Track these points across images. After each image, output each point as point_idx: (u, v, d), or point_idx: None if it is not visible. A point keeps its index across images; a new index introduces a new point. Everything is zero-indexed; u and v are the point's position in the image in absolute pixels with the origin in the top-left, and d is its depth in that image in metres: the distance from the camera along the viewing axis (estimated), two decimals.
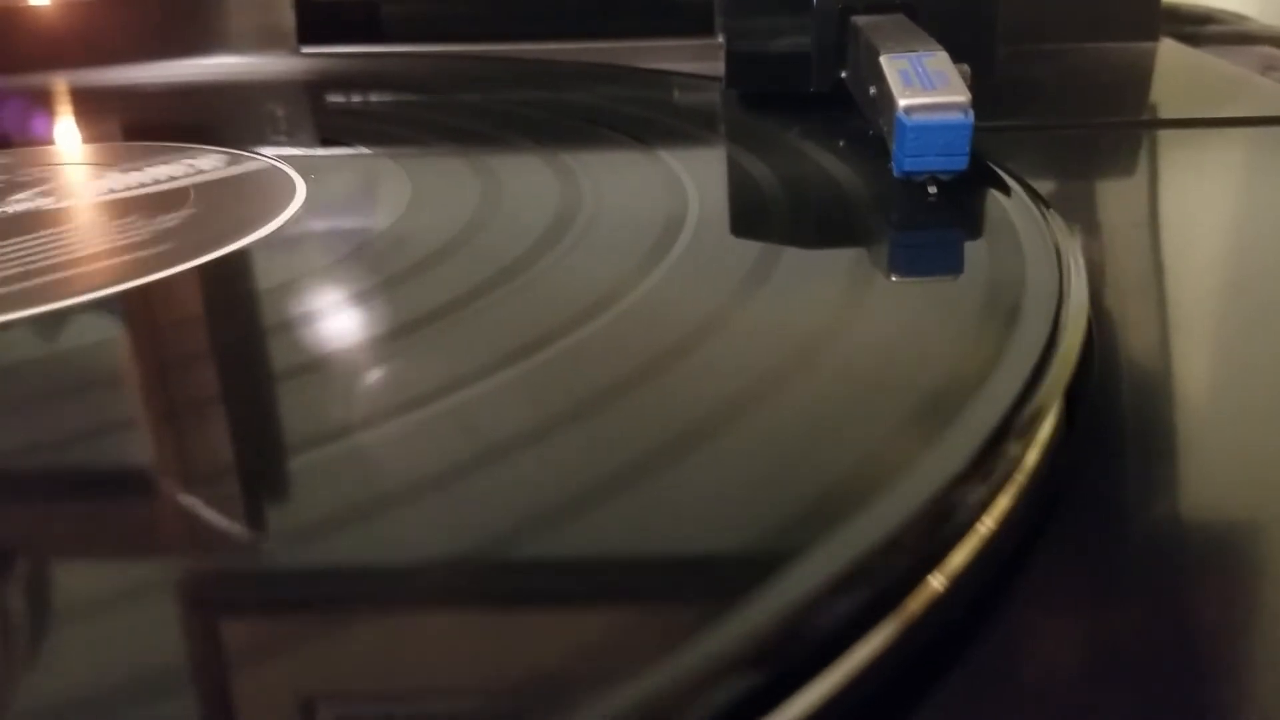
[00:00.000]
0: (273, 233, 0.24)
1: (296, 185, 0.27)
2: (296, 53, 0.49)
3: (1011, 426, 0.14)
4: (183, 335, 0.20)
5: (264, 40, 0.49)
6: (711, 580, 0.12)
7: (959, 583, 0.12)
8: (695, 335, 0.17)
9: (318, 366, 0.18)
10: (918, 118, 0.23)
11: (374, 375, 0.17)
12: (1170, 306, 0.20)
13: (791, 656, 0.11)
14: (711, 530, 0.12)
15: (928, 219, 0.23)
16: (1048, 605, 0.12)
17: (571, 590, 0.12)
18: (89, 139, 0.36)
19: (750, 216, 0.24)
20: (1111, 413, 0.16)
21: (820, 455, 0.14)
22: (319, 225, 0.24)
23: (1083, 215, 0.25)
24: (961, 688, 0.11)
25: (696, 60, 0.41)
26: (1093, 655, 0.12)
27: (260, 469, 0.15)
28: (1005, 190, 0.24)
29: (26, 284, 0.21)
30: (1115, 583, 0.13)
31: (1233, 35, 0.49)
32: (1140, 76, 0.40)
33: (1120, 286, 0.21)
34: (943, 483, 0.13)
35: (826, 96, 0.32)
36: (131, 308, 0.20)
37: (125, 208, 0.26)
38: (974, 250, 0.21)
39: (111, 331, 0.20)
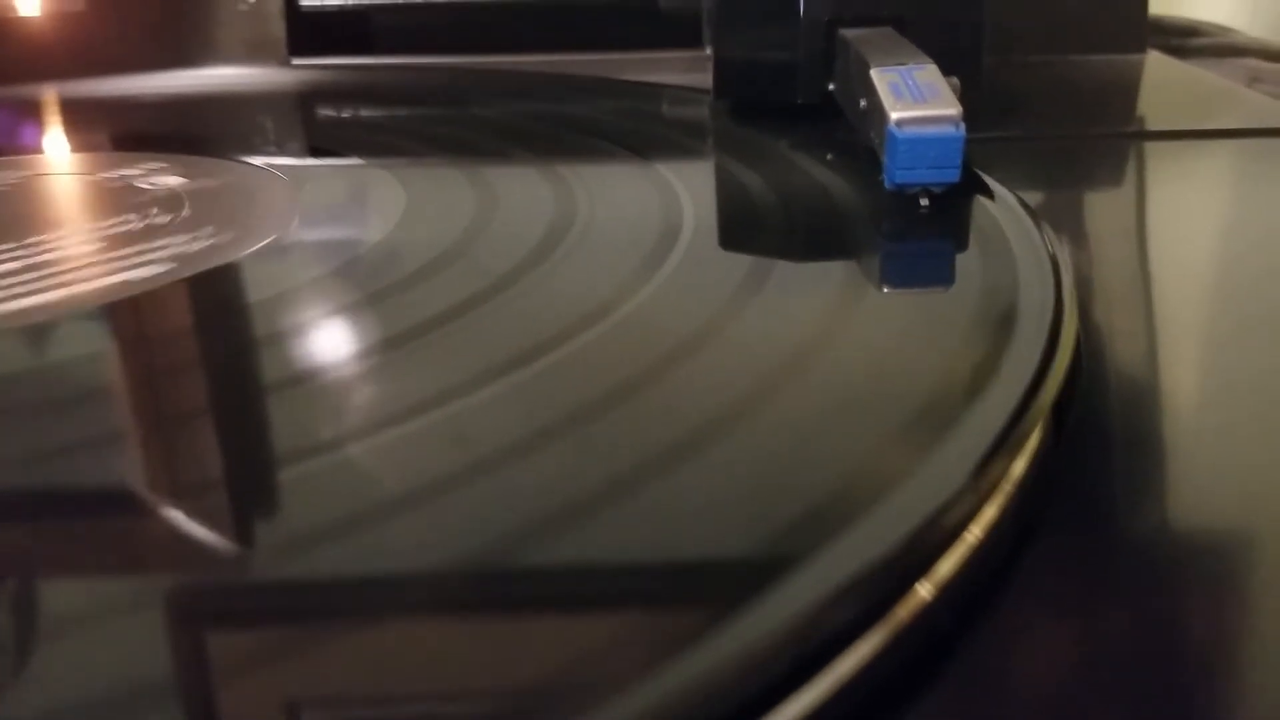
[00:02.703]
0: (266, 244, 0.23)
1: (289, 196, 0.27)
2: (287, 64, 0.49)
3: (1004, 440, 0.14)
4: (173, 347, 0.19)
5: (254, 51, 0.49)
6: (703, 591, 0.12)
7: (947, 591, 0.12)
8: (689, 346, 0.17)
9: (310, 378, 0.18)
10: (909, 130, 0.23)
11: (367, 387, 0.17)
12: (1157, 317, 0.20)
13: (781, 666, 0.11)
14: (703, 541, 0.12)
15: (919, 230, 0.24)
16: (1035, 614, 0.13)
17: (562, 601, 0.12)
18: (79, 149, 0.36)
19: (744, 228, 0.24)
20: (1098, 422, 0.16)
21: (813, 467, 0.14)
22: (312, 236, 0.24)
23: (1070, 226, 0.25)
24: (949, 696, 0.11)
25: (686, 72, 0.41)
26: (1080, 664, 0.12)
27: (252, 481, 0.15)
28: (997, 202, 0.24)
29: (15, 294, 0.21)
30: (1103, 591, 0.13)
31: (1219, 47, 0.50)
32: (1127, 88, 0.40)
33: (1107, 297, 0.21)
34: (942, 499, 0.13)
35: (814, 108, 0.32)
36: (122, 320, 0.20)
37: (116, 218, 0.26)
38: (966, 262, 0.21)
39: (101, 343, 0.20)
